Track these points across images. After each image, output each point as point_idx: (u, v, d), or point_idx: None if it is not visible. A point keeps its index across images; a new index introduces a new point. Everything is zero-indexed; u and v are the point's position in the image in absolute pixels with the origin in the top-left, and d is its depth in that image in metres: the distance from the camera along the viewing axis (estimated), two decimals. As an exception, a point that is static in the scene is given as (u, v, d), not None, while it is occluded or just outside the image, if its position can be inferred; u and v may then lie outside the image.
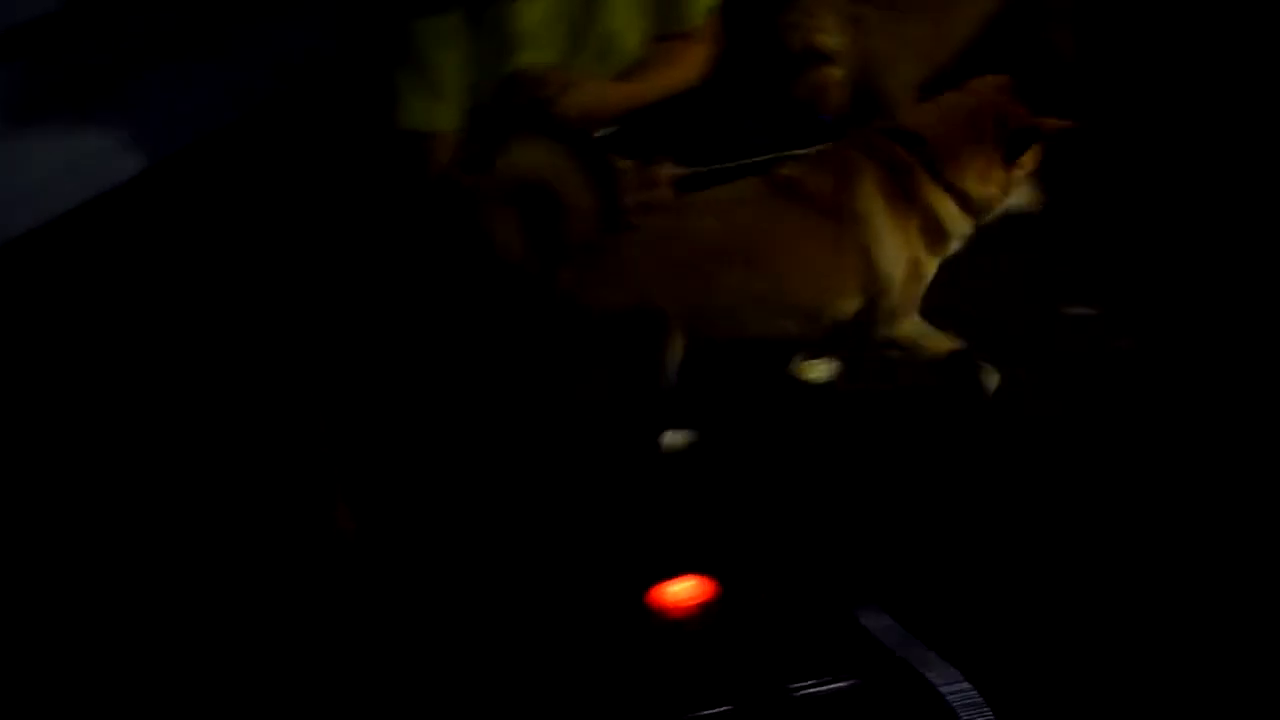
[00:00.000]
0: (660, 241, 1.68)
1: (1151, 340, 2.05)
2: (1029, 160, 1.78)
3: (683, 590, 1.43)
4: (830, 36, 2.06)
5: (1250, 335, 2.03)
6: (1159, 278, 2.16)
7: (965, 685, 1.32)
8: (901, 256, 1.78)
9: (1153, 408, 1.91)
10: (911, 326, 1.86)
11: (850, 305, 1.79)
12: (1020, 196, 1.82)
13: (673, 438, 1.88)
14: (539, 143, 1.69)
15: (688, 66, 1.83)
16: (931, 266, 1.83)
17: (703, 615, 1.42)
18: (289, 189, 2.20)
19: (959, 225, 1.80)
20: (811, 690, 1.35)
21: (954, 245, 1.83)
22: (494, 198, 1.65)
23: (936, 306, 1.88)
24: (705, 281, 1.70)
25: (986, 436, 1.89)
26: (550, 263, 1.64)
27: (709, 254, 1.70)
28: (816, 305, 1.78)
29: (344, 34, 2.20)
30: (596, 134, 1.77)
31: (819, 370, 2.01)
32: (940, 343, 1.89)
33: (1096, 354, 2.02)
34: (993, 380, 1.89)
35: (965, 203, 1.78)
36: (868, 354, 1.94)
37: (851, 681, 1.34)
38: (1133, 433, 1.87)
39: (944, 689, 1.33)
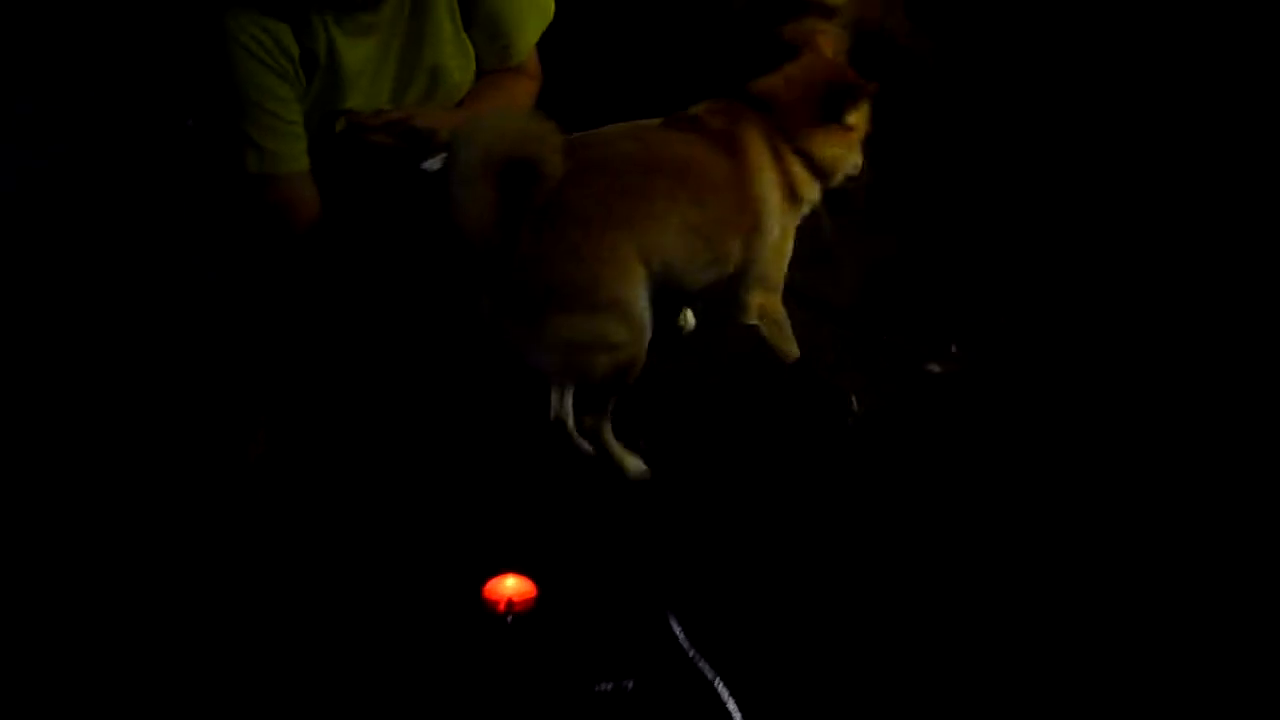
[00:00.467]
0: (593, 171, 1.70)
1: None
2: (860, 122, 1.87)
3: (512, 586, 1.55)
4: None
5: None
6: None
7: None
8: (776, 213, 1.85)
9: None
10: (774, 306, 1.92)
11: (736, 248, 1.83)
12: (857, 159, 1.90)
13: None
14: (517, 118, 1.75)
15: (517, 96, 1.87)
16: (790, 237, 1.89)
17: (527, 612, 1.55)
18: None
19: (809, 189, 1.87)
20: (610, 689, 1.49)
21: (803, 211, 1.90)
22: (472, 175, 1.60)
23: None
24: (644, 198, 1.73)
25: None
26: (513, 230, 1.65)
27: (639, 168, 1.74)
28: (720, 238, 1.82)
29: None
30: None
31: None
32: (788, 344, 1.96)
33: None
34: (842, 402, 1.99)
35: (812, 165, 1.85)
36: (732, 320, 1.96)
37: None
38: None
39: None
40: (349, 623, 1.63)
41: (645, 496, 1.83)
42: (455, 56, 1.84)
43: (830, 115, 1.83)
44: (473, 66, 1.86)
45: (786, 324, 1.96)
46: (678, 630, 1.55)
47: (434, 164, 1.83)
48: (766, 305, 1.91)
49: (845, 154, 1.87)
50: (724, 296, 1.91)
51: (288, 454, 1.87)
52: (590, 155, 1.72)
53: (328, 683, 1.55)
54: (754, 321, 1.93)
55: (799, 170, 1.85)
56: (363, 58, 1.74)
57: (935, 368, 2.09)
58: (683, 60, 2.32)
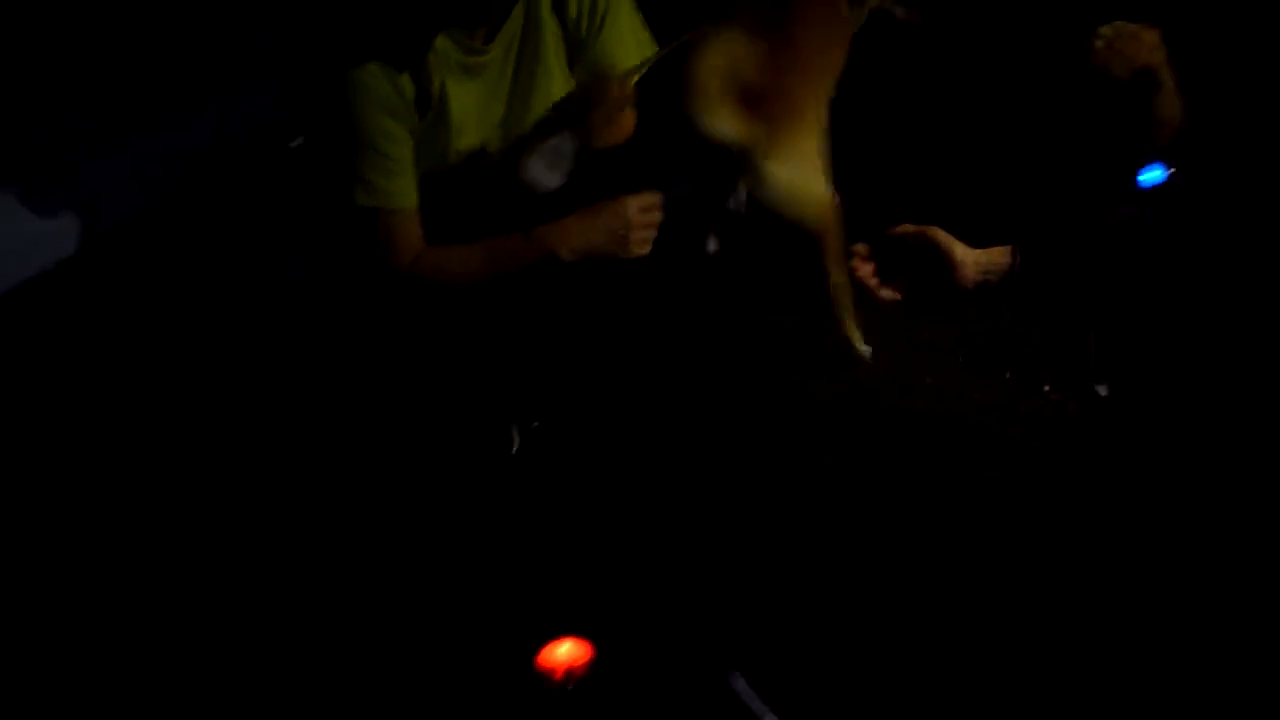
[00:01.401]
0: None
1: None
2: None
3: (568, 652, 1.54)
4: None
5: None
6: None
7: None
8: None
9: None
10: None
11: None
12: None
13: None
14: None
15: (619, 133, 1.85)
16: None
17: (582, 677, 1.53)
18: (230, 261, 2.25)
19: None
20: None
21: None
22: None
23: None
24: None
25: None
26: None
27: None
28: None
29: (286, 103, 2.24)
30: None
31: None
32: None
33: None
34: None
35: None
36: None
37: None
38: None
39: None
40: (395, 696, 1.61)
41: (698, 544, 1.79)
42: (554, 90, 1.85)
43: None
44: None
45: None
46: (741, 687, 1.56)
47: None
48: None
49: None
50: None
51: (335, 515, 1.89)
52: None
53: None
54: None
55: None
56: (472, 99, 1.75)
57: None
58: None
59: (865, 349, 2.01)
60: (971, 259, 1.67)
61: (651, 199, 1.83)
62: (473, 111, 1.80)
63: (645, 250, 1.84)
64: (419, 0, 1.67)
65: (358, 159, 1.70)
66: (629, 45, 1.88)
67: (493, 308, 1.94)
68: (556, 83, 1.86)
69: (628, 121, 1.78)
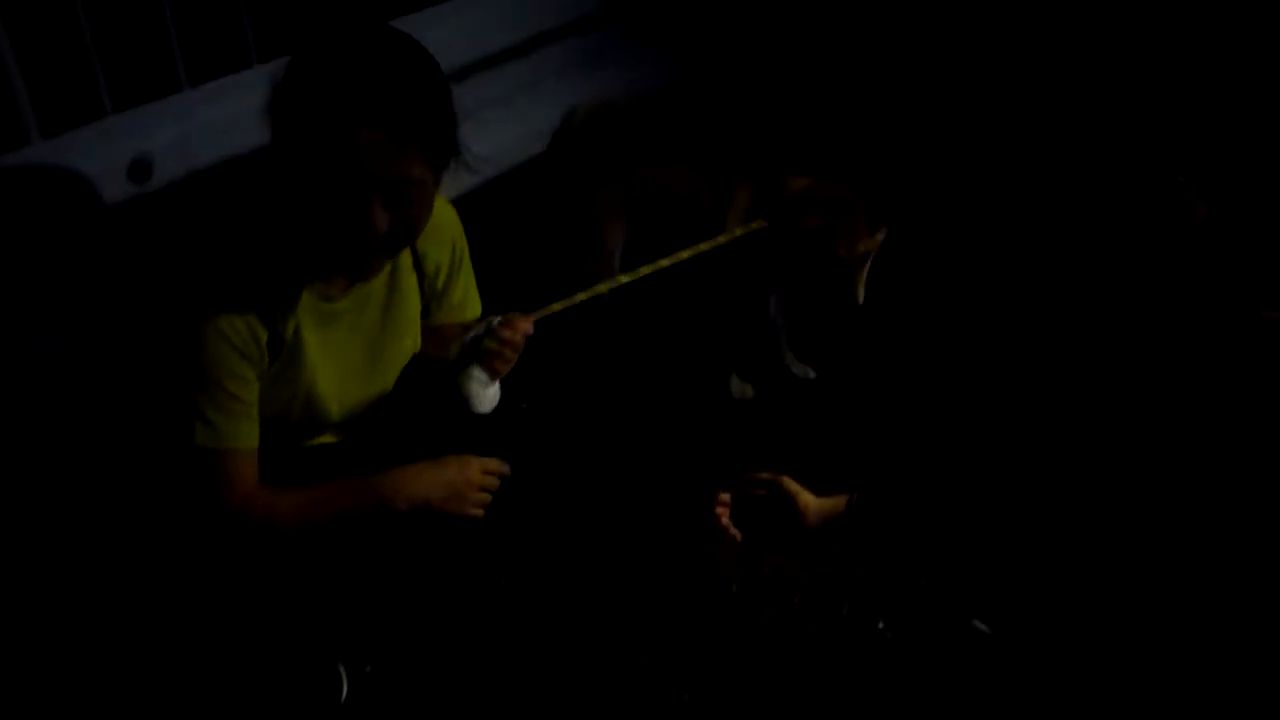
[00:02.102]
0: None
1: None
2: None
3: None
4: None
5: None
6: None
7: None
8: None
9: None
10: None
11: None
12: None
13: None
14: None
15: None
16: None
17: None
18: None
19: None
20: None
21: None
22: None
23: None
24: None
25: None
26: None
27: None
28: None
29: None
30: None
31: None
32: None
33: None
34: None
35: None
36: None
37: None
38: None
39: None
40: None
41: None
42: (412, 344, 1.85)
43: None
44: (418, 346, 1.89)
45: None
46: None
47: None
48: None
49: None
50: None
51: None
52: None
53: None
54: None
55: None
56: (328, 344, 1.71)
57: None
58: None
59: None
60: (815, 504, 1.81)
61: (496, 464, 1.84)
62: (329, 356, 1.77)
63: (479, 513, 1.83)
64: (282, 248, 1.65)
65: (202, 397, 1.63)
66: (472, 298, 1.96)
67: (322, 542, 1.86)
68: (411, 334, 1.87)
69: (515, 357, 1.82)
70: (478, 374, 1.79)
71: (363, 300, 1.75)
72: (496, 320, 1.79)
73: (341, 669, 1.95)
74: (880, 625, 2.07)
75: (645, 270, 2.15)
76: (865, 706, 1.95)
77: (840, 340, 2.80)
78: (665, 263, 2.18)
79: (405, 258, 1.79)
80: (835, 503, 1.81)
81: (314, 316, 1.70)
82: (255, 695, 1.89)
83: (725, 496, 1.86)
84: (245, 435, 1.68)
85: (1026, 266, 2.73)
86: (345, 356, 1.77)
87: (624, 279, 2.13)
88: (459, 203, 1.92)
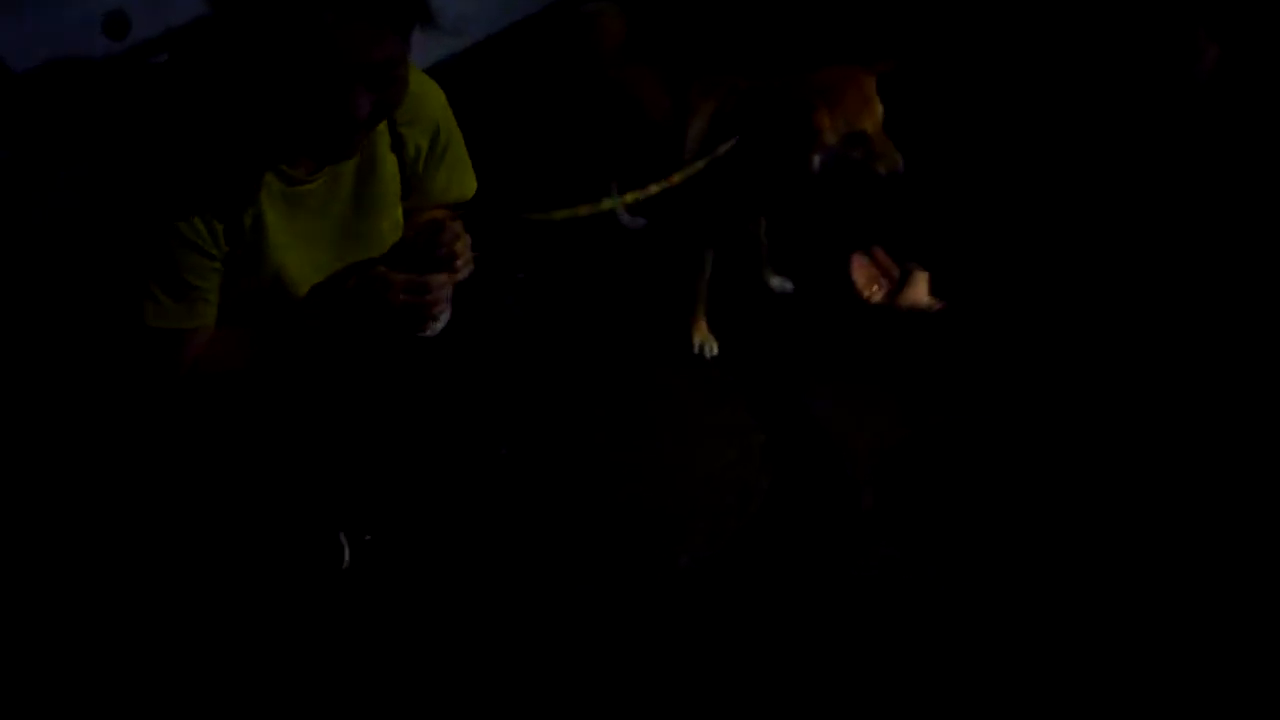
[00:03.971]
0: None
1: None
2: None
3: None
4: None
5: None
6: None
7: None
8: None
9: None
10: None
11: None
12: None
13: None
14: None
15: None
16: None
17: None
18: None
19: None
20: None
21: None
22: None
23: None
24: None
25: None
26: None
27: None
28: None
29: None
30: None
31: None
32: None
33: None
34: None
35: None
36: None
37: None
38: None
39: None
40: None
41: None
42: (392, 226, 1.78)
43: None
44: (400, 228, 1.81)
45: None
46: None
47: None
48: None
49: None
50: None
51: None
52: None
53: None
54: None
55: None
56: (295, 226, 1.66)
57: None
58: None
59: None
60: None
61: (416, 279, 1.69)
62: (297, 239, 1.73)
63: (423, 330, 1.79)
64: (241, 133, 1.60)
65: (155, 284, 1.61)
66: (459, 181, 1.88)
67: (319, 413, 1.87)
68: (389, 217, 1.82)
69: (466, 253, 1.77)
70: None
71: (332, 182, 1.69)
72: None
73: (343, 537, 1.99)
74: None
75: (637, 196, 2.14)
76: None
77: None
78: (655, 189, 2.15)
79: (382, 138, 1.71)
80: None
81: (278, 201, 1.65)
82: (259, 563, 1.92)
83: (863, 260, 2.00)
84: (200, 316, 1.65)
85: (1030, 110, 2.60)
86: (314, 240, 1.72)
87: (630, 198, 2.13)
88: (446, 71, 1.86)
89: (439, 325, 1.70)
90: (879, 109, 2.21)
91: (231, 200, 1.59)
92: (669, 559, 2.03)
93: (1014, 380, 2.26)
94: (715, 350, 2.50)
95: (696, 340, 2.50)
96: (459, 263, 1.70)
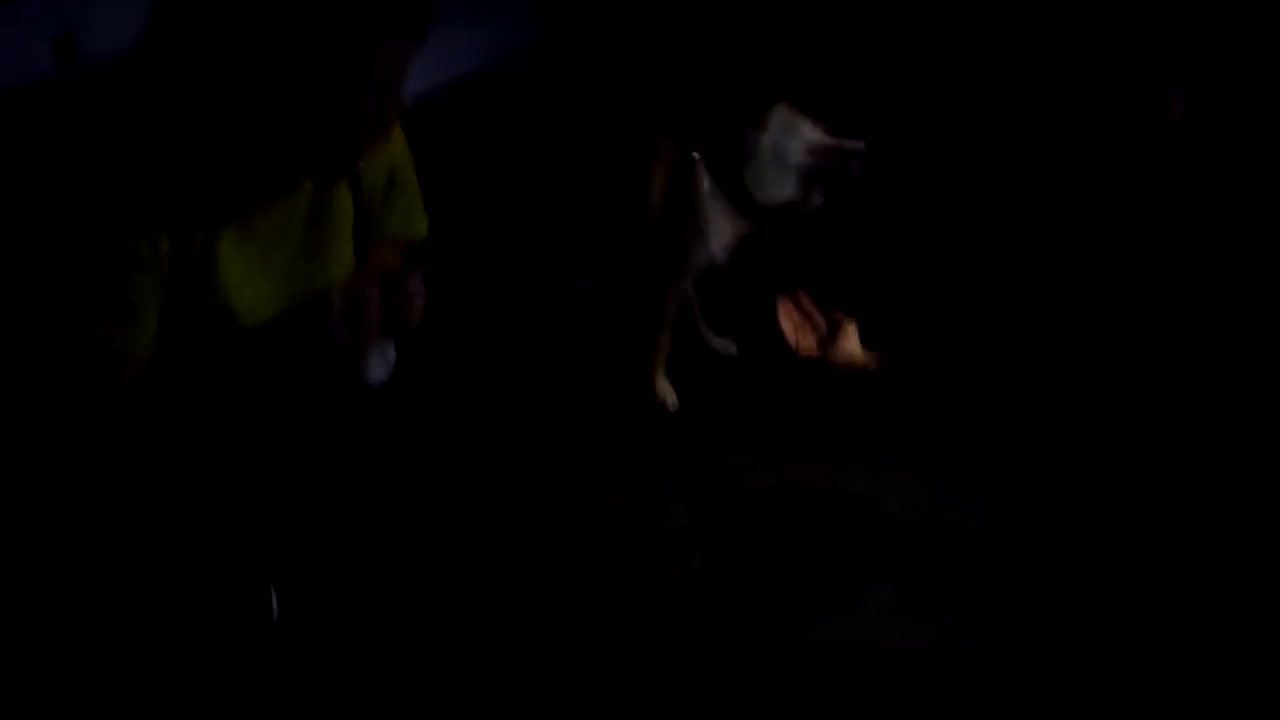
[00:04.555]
0: None
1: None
2: None
3: None
4: None
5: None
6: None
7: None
8: None
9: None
10: None
11: None
12: None
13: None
14: None
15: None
16: None
17: None
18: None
19: None
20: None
21: None
22: None
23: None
24: None
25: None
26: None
27: None
28: None
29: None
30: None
31: None
32: None
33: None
34: None
35: None
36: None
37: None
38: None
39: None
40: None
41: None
42: (339, 262, 1.76)
43: None
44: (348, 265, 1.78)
45: None
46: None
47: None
48: None
49: None
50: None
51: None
52: None
53: None
54: None
55: None
56: (245, 256, 1.61)
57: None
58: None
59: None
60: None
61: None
62: (245, 267, 1.69)
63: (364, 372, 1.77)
64: (195, 156, 1.56)
65: (91, 300, 1.54)
66: (414, 218, 1.89)
67: (253, 463, 1.79)
68: (340, 252, 1.80)
69: (421, 301, 1.77)
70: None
71: (286, 214, 1.68)
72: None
73: (272, 590, 1.87)
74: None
75: None
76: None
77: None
78: None
79: None
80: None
81: (229, 229, 1.62)
82: (187, 617, 1.80)
83: (789, 307, 1.99)
84: (133, 343, 1.58)
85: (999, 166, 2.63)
86: (262, 271, 1.70)
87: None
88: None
89: (379, 374, 1.68)
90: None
91: (180, 219, 1.53)
92: (614, 615, 2.00)
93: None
94: (675, 402, 2.51)
95: (658, 392, 2.50)
96: (411, 319, 1.70)
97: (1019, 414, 2.21)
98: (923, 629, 1.98)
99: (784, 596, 2.07)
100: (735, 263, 2.49)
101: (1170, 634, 1.85)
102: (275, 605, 1.87)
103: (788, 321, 2.01)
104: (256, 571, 1.87)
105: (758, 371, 2.58)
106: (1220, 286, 1.94)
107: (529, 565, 2.08)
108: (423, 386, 1.87)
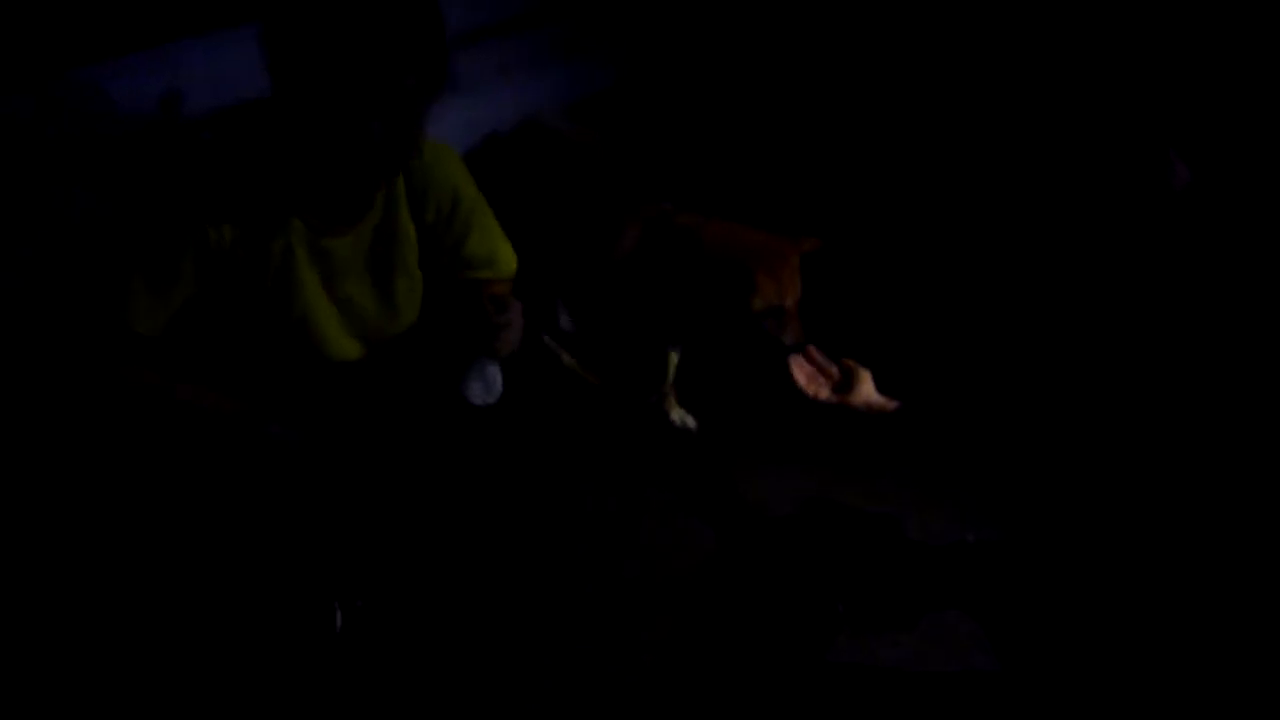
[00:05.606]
0: None
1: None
2: None
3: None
4: None
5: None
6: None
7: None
8: None
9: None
10: None
11: None
12: None
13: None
14: None
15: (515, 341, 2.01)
16: None
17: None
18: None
19: None
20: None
21: None
22: None
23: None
24: None
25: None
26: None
27: None
28: None
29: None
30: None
31: None
32: None
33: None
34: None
35: None
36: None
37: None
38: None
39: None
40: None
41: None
42: (409, 286, 1.91)
43: None
44: (419, 300, 1.94)
45: None
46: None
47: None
48: None
49: None
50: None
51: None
52: None
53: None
54: None
55: None
56: (319, 277, 1.79)
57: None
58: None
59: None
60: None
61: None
62: (318, 289, 1.84)
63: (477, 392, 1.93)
64: (273, 176, 1.71)
65: (130, 273, 1.67)
66: (494, 247, 2.03)
67: (312, 481, 1.92)
68: (407, 276, 1.93)
69: (519, 332, 1.91)
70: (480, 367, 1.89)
71: (356, 241, 1.82)
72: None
73: (336, 603, 2.01)
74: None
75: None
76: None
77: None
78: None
79: (402, 204, 1.85)
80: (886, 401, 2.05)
81: (304, 246, 1.77)
82: (251, 629, 1.93)
83: (801, 360, 2.09)
84: (143, 320, 1.70)
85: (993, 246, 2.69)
86: (335, 291, 1.85)
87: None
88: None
89: (493, 392, 1.84)
90: (799, 287, 2.36)
91: (256, 220, 1.69)
92: (632, 637, 2.10)
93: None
94: (693, 424, 2.51)
95: (674, 416, 2.51)
96: (500, 338, 1.85)
97: (1035, 441, 2.24)
98: (947, 652, 2.05)
99: (807, 619, 2.15)
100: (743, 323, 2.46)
101: (1176, 641, 1.87)
102: (339, 617, 2.00)
103: (801, 375, 2.09)
104: (323, 583, 2.01)
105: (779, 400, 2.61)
106: (1226, 348, 1.97)
107: (558, 591, 2.18)
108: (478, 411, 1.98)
